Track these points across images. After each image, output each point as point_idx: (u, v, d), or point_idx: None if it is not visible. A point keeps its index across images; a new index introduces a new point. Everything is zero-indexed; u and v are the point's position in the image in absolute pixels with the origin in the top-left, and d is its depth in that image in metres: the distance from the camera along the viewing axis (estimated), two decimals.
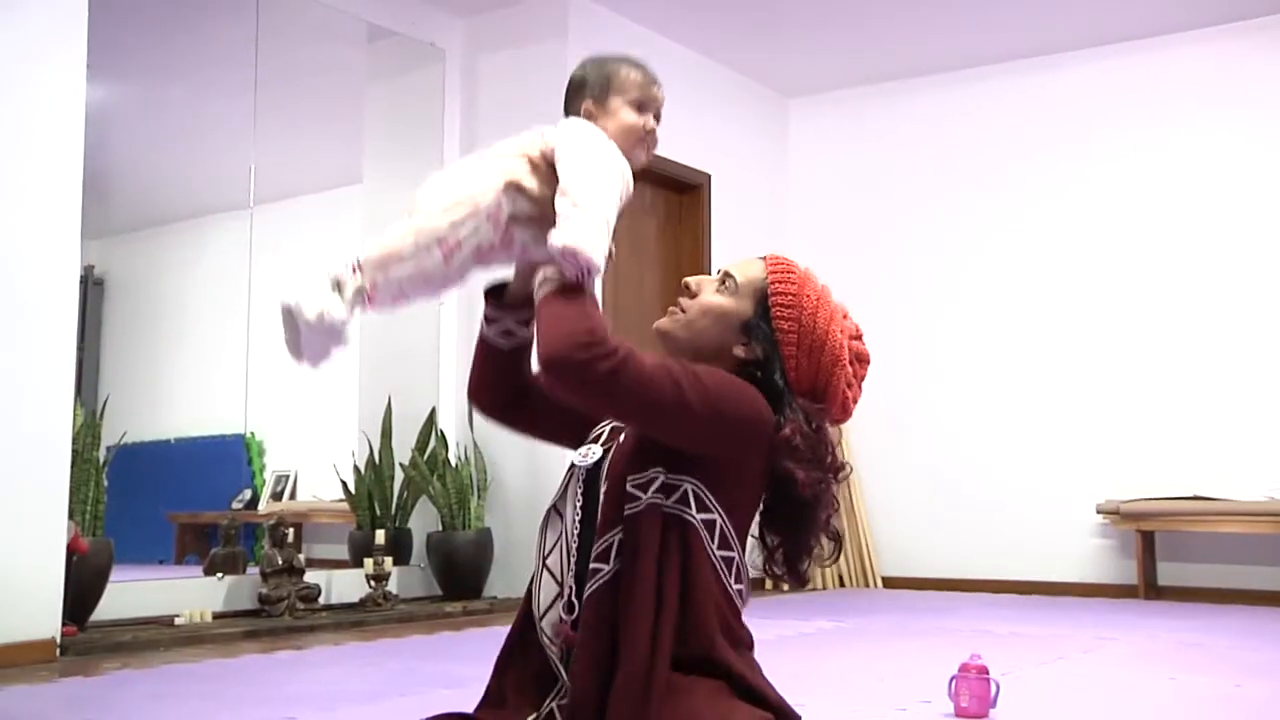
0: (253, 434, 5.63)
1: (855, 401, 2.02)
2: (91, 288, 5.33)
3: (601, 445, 1.98)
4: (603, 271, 1.79)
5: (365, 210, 6.09)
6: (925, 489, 6.89)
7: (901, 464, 6.97)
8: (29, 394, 4.01)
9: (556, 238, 1.75)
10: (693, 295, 2.01)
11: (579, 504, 1.94)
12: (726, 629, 1.86)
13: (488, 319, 2.02)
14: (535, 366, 1.84)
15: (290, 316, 1.78)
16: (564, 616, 1.90)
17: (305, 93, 5.94)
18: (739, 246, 6.83)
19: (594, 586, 1.84)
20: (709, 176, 6.76)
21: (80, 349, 4.28)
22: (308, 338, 1.79)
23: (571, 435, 2.08)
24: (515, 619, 2.00)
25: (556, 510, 1.99)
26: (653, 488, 1.84)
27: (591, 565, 1.85)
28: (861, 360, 2.03)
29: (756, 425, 1.87)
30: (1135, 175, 6.51)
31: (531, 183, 1.86)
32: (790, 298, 1.97)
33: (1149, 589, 6.07)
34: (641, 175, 6.59)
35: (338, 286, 1.78)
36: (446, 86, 6.07)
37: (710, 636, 1.82)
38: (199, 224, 5.99)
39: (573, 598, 1.90)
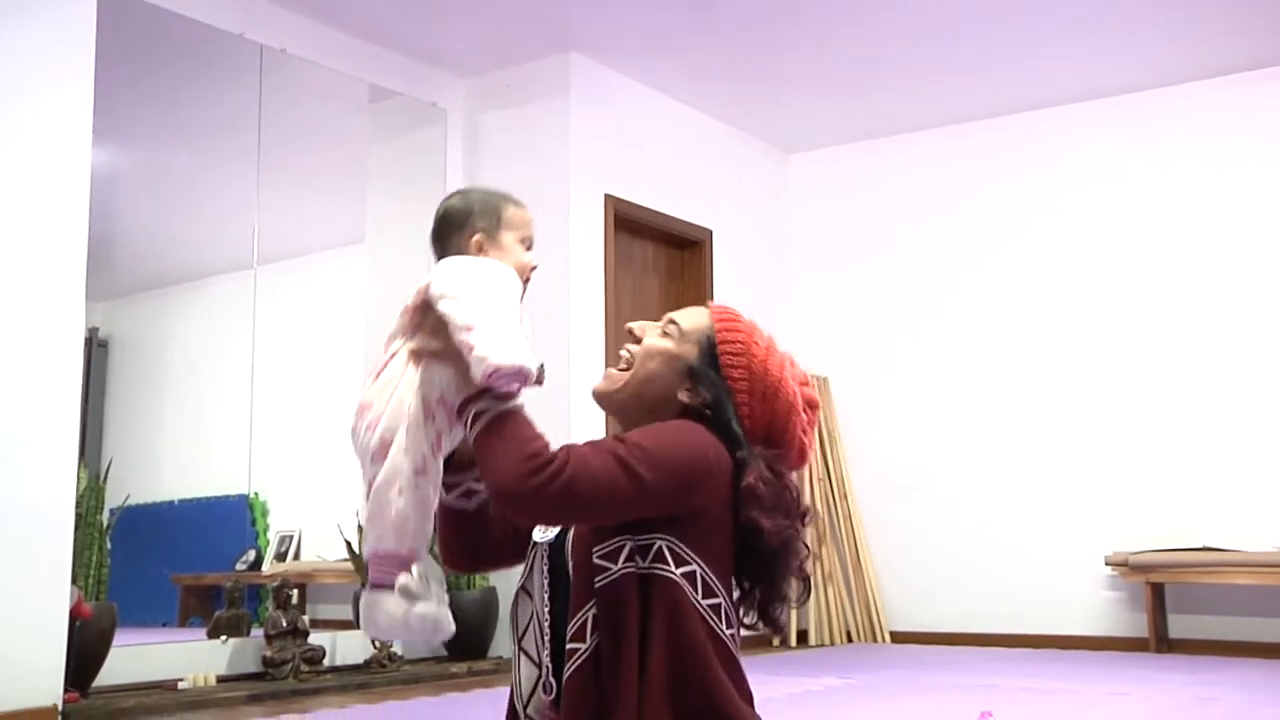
0: (256, 494, 5.60)
1: (811, 447, 2.02)
2: (96, 349, 5.32)
3: None
4: (538, 376, 1.76)
5: (369, 269, 6.10)
6: (932, 542, 6.84)
7: (908, 517, 6.94)
8: (32, 457, 4.00)
9: (476, 369, 1.73)
10: (638, 341, 2.02)
11: (546, 580, 1.92)
12: (728, 677, 1.82)
13: (446, 486, 1.97)
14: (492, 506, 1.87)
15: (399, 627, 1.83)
16: (544, 696, 1.87)
17: (308, 154, 5.98)
18: (741, 302, 6.82)
19: (573, 667, 1.80)
20: (710, 232, 6.79)
21: (84, 411, 4.24)
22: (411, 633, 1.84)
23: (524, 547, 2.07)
24: (506, 708, 1.98)
25: (525, 590, 1.96)
26: (622, 556, 1.81)
27: (568, 645, 1.82)
28: (812, 406, 2.03)
29: (714, 470, 1.85)
30: (1136, 225, 6.53)
31: (428, 341, 1.86)
32: (738, 344, 1.97)
33: (1160, 642, 6.02)
34: (643, 232, 6.59)
35: (413, 591, 1.81)
36: (448, 146, 6.11)
37: (710, 690, 1.78)
38: (203, 285, 6.00)
39: (550, 676, 1.87)
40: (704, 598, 1.82)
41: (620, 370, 2.02)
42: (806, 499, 1.96)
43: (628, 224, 6.26)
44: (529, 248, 2.01)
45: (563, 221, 5.84)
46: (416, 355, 1.85)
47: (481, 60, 6.07)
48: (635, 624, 1.78)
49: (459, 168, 6.15)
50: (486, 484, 1.78)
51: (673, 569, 1.80)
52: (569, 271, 5.81)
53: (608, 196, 6.06)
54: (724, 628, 1.85)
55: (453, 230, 1.98)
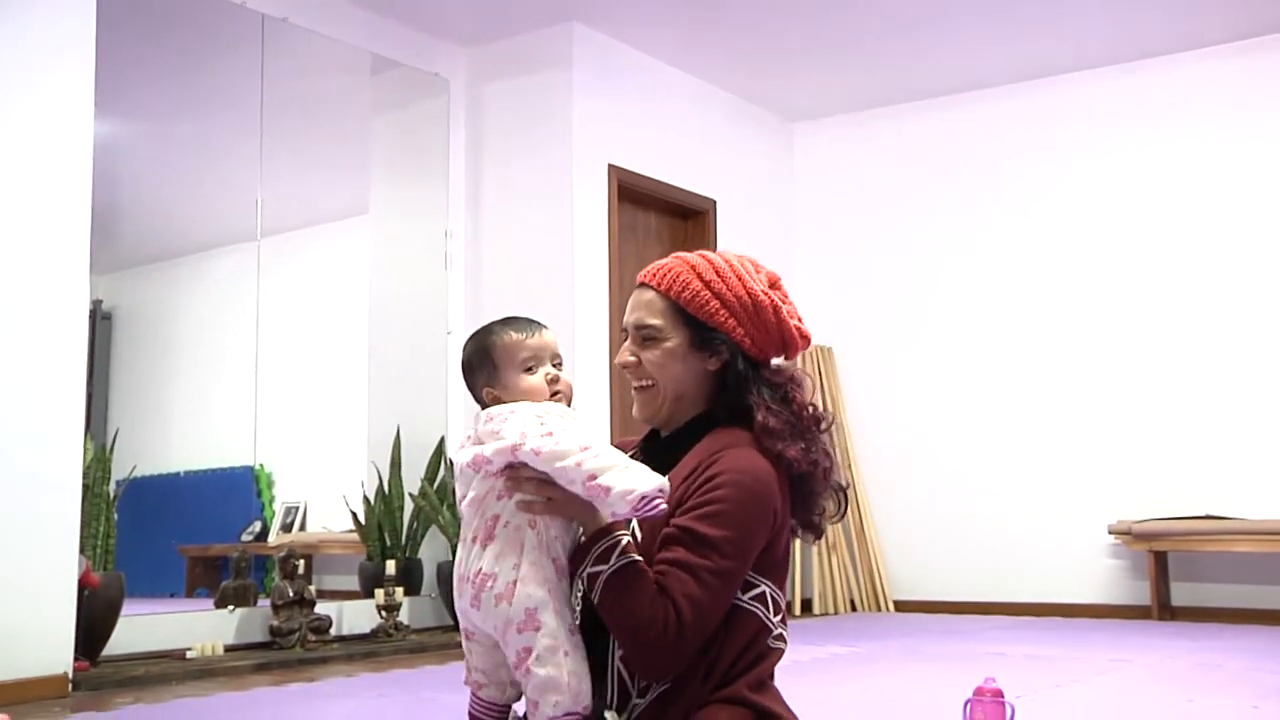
0: (262, 466, 5.60)
1: (801, 321, 2.04)
2: (100, 321, 5.31)
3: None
4: (667, 486, 1.80)
5: (372, 240, 6.09)
6: (936, 511, 6.85)
7: (911, 486, 6.94)
8: (39, 428, 4.02)
9: (619, 505, 1.75)
10: (638, 365, 2.02)
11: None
12: (758, 672, 1.90)
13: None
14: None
15: None
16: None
17: (311, 125, 5.95)
18: None
19: (657, 691, 1.85)
20: (714, 202, 6.76)
21: (89, 383, 4.27)
22: None
23: None
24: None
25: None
26: None
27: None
28: (776, 285, 2.04)
29: (776, 508, 1.89)
30: (1141, 195, 6.50)
31: (538, 493, 1.85)
32: (702, 294, 1.98)
33: (1163, 610, 6.04)
34: (647, 202, 6.59)
35: None
36: (451, 116, 6.09)
37: (740, 685, 1.86)
38: (207, 257, 5.99)
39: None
40: (773, 614, 1.90)
41: (646, 388, 2.02)
42: (821, 406, 1.98)
43: (631, 194, 6.23)
44: (535, 365, 1.96)
45: (566, 192, 5.83)
46: (528, 513, 1.85)
47: (484, 30, 6.03)
48: (710, 651, 1.85)
49: (462, 139, 6.14)
50: (624, 651, 1.84)
51: (741, 595, 1.88)
52: (572, 242, 5.80)
53: (611, 166, 6.04)
54: (774, 636, 1.92)
55: (471, 384, 2.01)
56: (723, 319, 1.96)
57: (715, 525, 1.81)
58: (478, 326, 2.05)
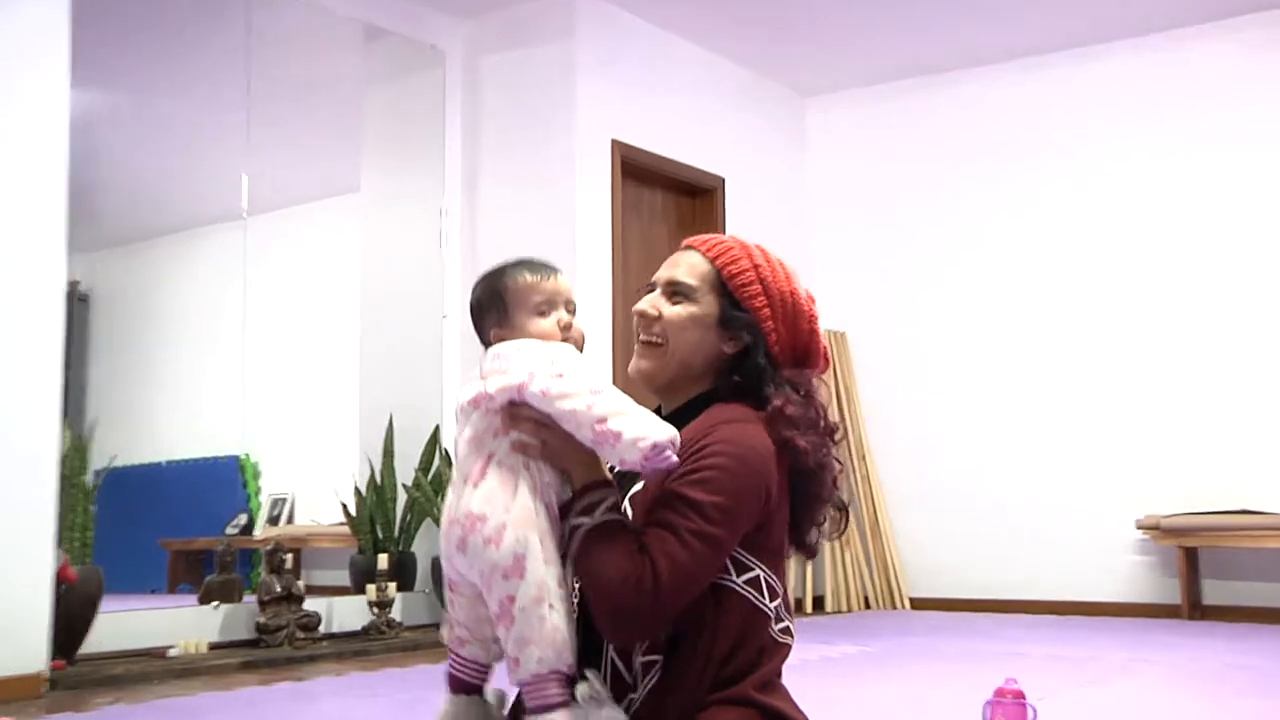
0: (248, 455, 5.61)
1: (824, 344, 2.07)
2: (77, 303, 5.32)
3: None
4: (679, 439, 1.77)
5: (364, 219, 6.07)
6: (954, 505, 6.76)
7: (929, 479, 6.86)
8: (14, 415, 4.03)
9: (629, 452, 1.72)
10: (657, 318, 1.99)
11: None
12: (765, 671, 1.86)
13: None
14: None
15: None
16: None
17: (300, 98, 6.04)
18: None
19: (653, 680, 1.81)
20: (722, 180, 6.69)
21: (66, 368, 4.24)
22: None
23: None
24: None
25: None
26: None
27: (643, 659, 1.81)
28: (812, 300, 2.05)
29: (774, 475, 1.86)
30: (1170, 177, 6.36)
31: (534, 435, 1.81)
32: (749, 274, 1.98)
33: (1193, 608, 5.96)
34: (652, 179, 6.38)
35: (600, 694, 1.78)
36: (447, 90, 6.05)
37: (745, 685, 1.82)
38: (190, 236, 6.00)
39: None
40: (769, 600, 1.88)
41: (655, 346, 1.99)
42: (834, 416, 1.97)
43: (636, 171, 6.19)
44: (548, 309, 1.92)
45: (567, 169, 5.78)
46: (522, 454, 1.82)
47: (483, 0, 5.92)
48: (703, 636, 1.82)
49: (458, 113, 6.12)
50: (594, 609, 1.79)
51: (734, 577, 1.84)
52: (574, 221, 5.74)
53: (615, 142, 5.98)
54: (779, 630, 1.89)
55: (478, 327, 1.98)
56: (760, 304, 1.96)
57: (703, 490, 1.77)
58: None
